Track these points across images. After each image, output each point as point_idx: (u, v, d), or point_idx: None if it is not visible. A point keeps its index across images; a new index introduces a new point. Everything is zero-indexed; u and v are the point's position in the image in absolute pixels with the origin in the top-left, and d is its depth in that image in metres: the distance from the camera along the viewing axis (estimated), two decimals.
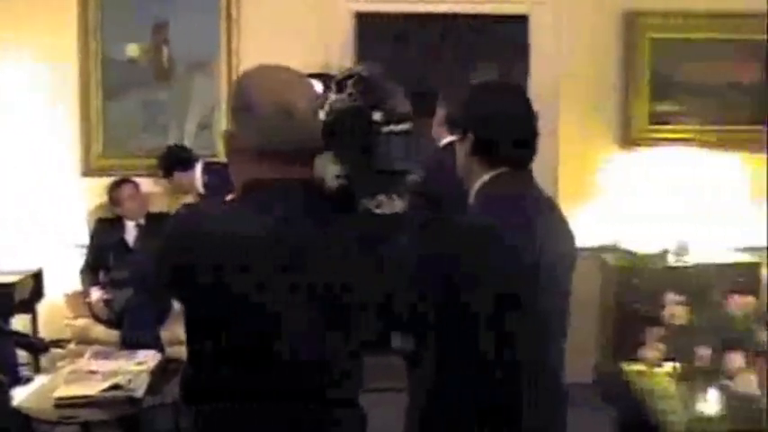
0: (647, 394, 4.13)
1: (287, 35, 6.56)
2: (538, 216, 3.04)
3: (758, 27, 6.81)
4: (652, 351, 4.06)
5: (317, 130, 2.37)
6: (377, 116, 2.40)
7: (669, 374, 4.12)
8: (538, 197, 3.07)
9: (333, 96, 2.42)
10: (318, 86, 2.43)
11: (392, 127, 2.42)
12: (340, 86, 2.43)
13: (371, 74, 2.46)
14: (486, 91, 3.15)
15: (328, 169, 2.38)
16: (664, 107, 6.84)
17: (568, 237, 3.14)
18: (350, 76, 2.44)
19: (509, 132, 2.96)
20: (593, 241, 6.58)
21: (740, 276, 6.33)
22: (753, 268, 6.53)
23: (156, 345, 5.73)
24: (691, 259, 6.48)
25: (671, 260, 6.45)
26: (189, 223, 2.36)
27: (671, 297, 3.98)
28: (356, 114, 2.41)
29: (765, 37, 6.82)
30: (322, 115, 2.39)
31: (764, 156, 6.82)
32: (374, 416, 2.55)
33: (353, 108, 2.40)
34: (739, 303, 3.89)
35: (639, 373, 4.27)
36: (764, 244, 6.70)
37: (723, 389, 3.92)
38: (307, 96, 2.37)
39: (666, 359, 4.14)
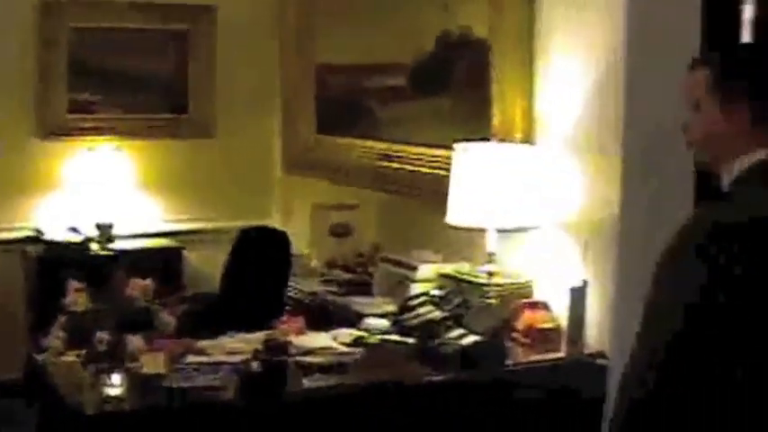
0: (60, 383, 4.13)
1: None
2: None
3: (179, 17, 6.99)
4: (55, 339, 4.07)
5: None
6: None
7: (75, 362, 4.14)
8: None
9: None
10: None
11: None
12: None
13: None
14: None
15: None
16: (84, 96, 6.84)
17: None
18: None
19: None
20: (17, 233, 6.52)
21: (166, 260, 6.53)
22: (177, 252, 6.75)
23: None
24: (115, 246, 6.56)
25: (94, 248, 6.50)
26: None
27: (72, 284, 4.01)
28: None
29: (184, 26, 7.03)
30: None
31: (182, 142, 7.05)
32: None
33: None
34: (138, 286, 4.00)
35: (52, 363, 4.27)
36: (186, 227, 6.95)
37: (127, 370, 4.00)
38: None
39: (72, 347, 4.16)
